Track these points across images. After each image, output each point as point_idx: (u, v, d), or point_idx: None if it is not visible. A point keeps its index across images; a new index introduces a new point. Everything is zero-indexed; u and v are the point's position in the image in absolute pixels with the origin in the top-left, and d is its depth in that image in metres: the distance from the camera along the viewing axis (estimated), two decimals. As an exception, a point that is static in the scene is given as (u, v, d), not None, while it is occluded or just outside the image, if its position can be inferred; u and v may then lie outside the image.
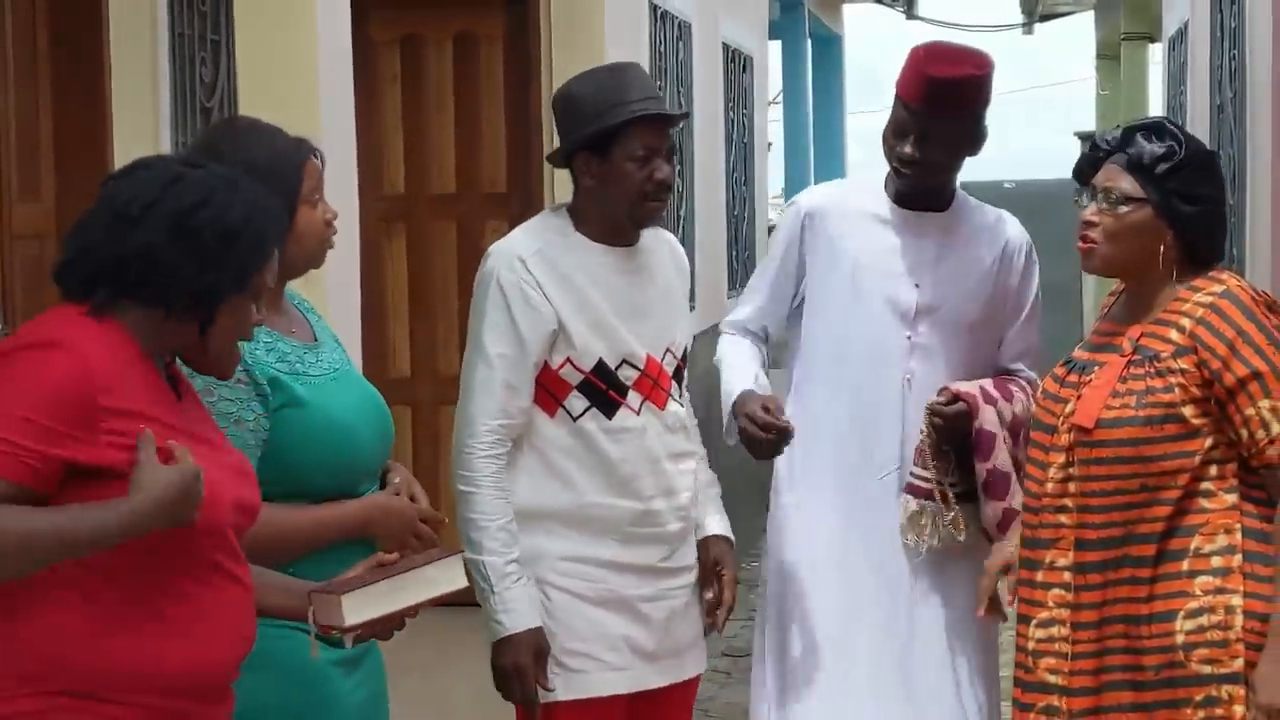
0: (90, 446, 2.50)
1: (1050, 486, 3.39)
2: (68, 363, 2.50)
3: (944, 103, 3.79)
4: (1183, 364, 3.29)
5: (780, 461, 4.02)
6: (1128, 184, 3.37)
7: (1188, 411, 3.28)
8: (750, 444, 3.76)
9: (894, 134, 3.86)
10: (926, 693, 3.92)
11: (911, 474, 3.82)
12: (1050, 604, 3.39)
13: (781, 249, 4.04)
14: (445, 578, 2.92)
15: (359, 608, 2.80)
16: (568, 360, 3.63)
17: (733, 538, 3.87)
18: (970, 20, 33.03)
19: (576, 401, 3.64)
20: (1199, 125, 8.48)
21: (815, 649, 3.94)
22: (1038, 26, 20.88)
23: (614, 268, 3.70)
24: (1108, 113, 18.29)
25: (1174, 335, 3.31)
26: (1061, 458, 3.38)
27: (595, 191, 3.68)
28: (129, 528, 2.50)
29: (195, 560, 2.62)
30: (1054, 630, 3.39)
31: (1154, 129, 3.40)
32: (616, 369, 3.66)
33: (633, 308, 3.70)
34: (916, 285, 3.91)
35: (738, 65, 9.71)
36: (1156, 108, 11.77)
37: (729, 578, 3.81)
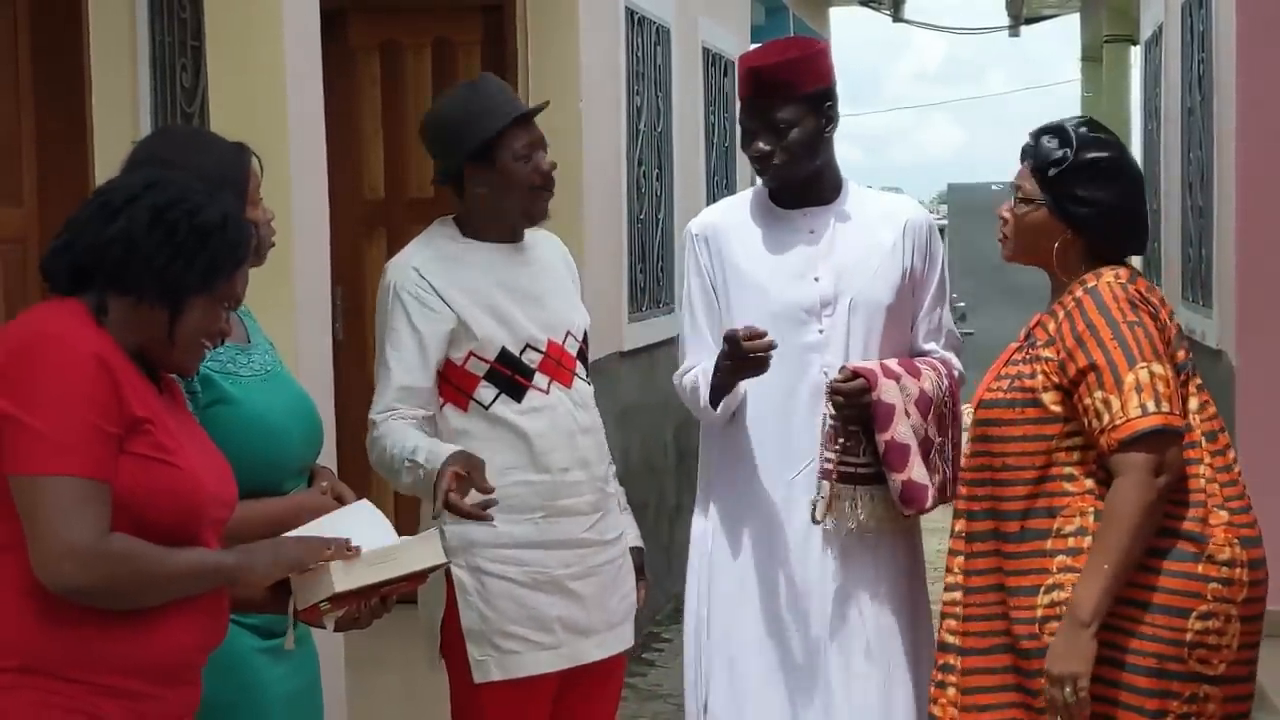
0: (121, 426, 2.65)
1: (964, 460, 3.61)
2: (89, 353, 2.63)
3: (771, 90, 3.87)
4: (1048, 353, 3.44)
5: (705, 469, 4.10)
6: (1030, 185, 3.54)
7: (1047, 398, 3.43)
8: (740, 364, 3.77)
9: (745, 138, 3.95)
10: (855, 696, 3.95)
11: (823, 457, 3.86)
12: (955, 569, 3.57)
13: (693, 280, 4.07)
14: (425, 554, 3.00)
15: (346, 576, 2.86)
16: (471, 354, 3.82)
17: (643, 545, 4.12)
18: (956, 22, 33.08)
19: (485, 391, 3.84)
20: (1171, 127, 8.56)
21: (745, 656, 3.98)
22: (1024, 29, 20.88)
23: (505, 261, 3.92)
24: (1092, 114, 18.34)
25: (1051, 325, 3.48)
26: (970, 433, 3.60)
27: (489, 197, 3.90)
28: (243, 579, 2.82)
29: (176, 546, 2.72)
30: (955, 595, 3.56)
31: (1057, 131, 3.54)
32: (520, 354, 3.85)
33: (527, 295, 3.90)
34: (816, 279, 3.95)
35: (718, 69, 9.77)
36: (1137, 110, 11.84)
37: (643, 586, 4.09)
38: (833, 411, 3.83)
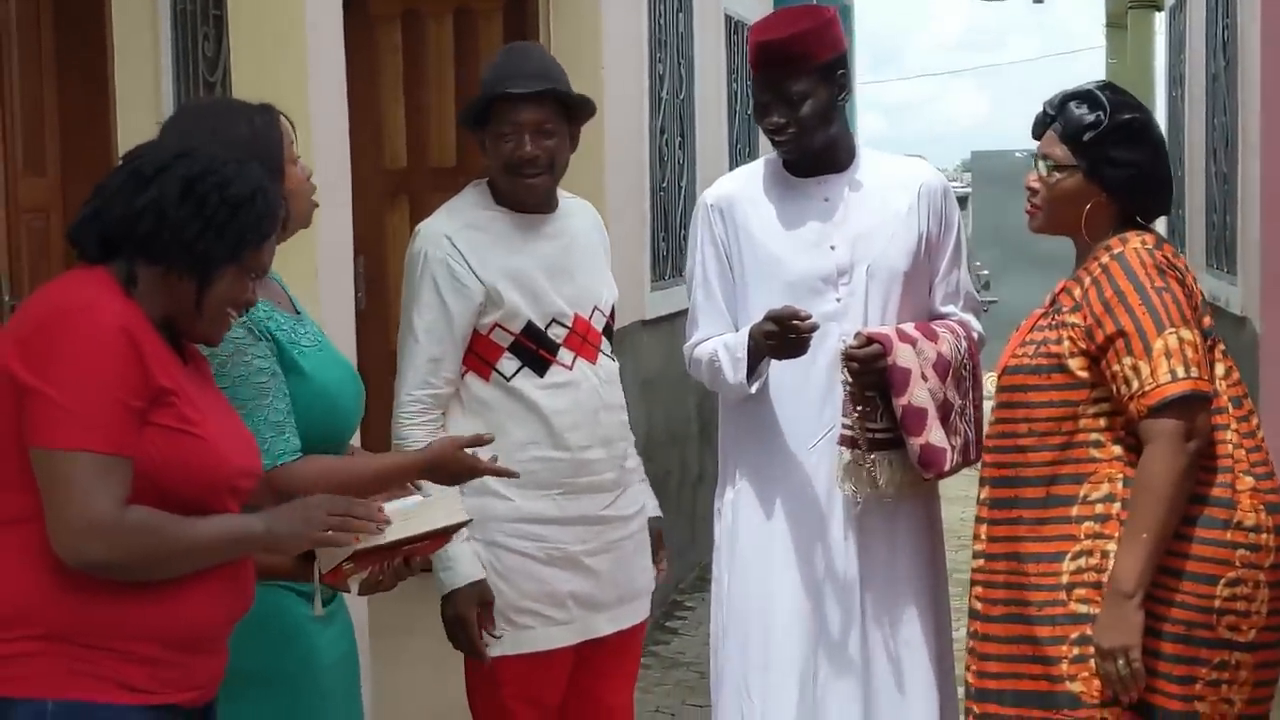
0: (145, 398, 2.66)
1: (988, 427, 3.59)
2: (115, 325, 2.64)
3: (784, 62, 3.84)
4: (1075, 319, 3.43)
5: (724, 452, 4.09)
6: (1061, 152, 3.52)
7: (1074, 364, 3.42)
8: (786, 344, 3.76)
9: (759, 111, 3.93)
10: (875, 662, 3.96)
11: (841, 424, 3.86)
12: (981, 536, 3.58)
13: (706, 250, 4.04)
14: (446, 511, 3.02)
15: (370, 535, 2.87)
16: (496, 324, 3.81)
17: (662, 515, 4.14)
18: (981, -10, 32.88)
19: (508, 363, 3.82)
20: (1195, 93, 8.53)
21: (769, 625, 3.98)
22: (1048, -5, 20.81)
23: (535, 233, 3.88)
24: (1117, 82, 18.23)
25: (1077, 292, 3.46)
26: (994, 400, 3.59)
27: (488, 167, 3.89)
28: (270, 546, 2.81)
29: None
30: (979, 562, 3.57)
31: (1085, 97, 3.52)
32: (546, 328, 3.83)
33: (557, 269, 3.87)
34: (832, 248, 3.94)
35: (740, 36, 9.73)
36: (1161, 77, 11.79)
37: (664, 555, 4.13)
38: (848, 378, 3.83)
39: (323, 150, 4.53)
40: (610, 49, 6.89)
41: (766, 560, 3.99)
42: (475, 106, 3.86)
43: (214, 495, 2.75)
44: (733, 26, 9.55)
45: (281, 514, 2.82)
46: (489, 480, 3.78)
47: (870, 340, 3.82)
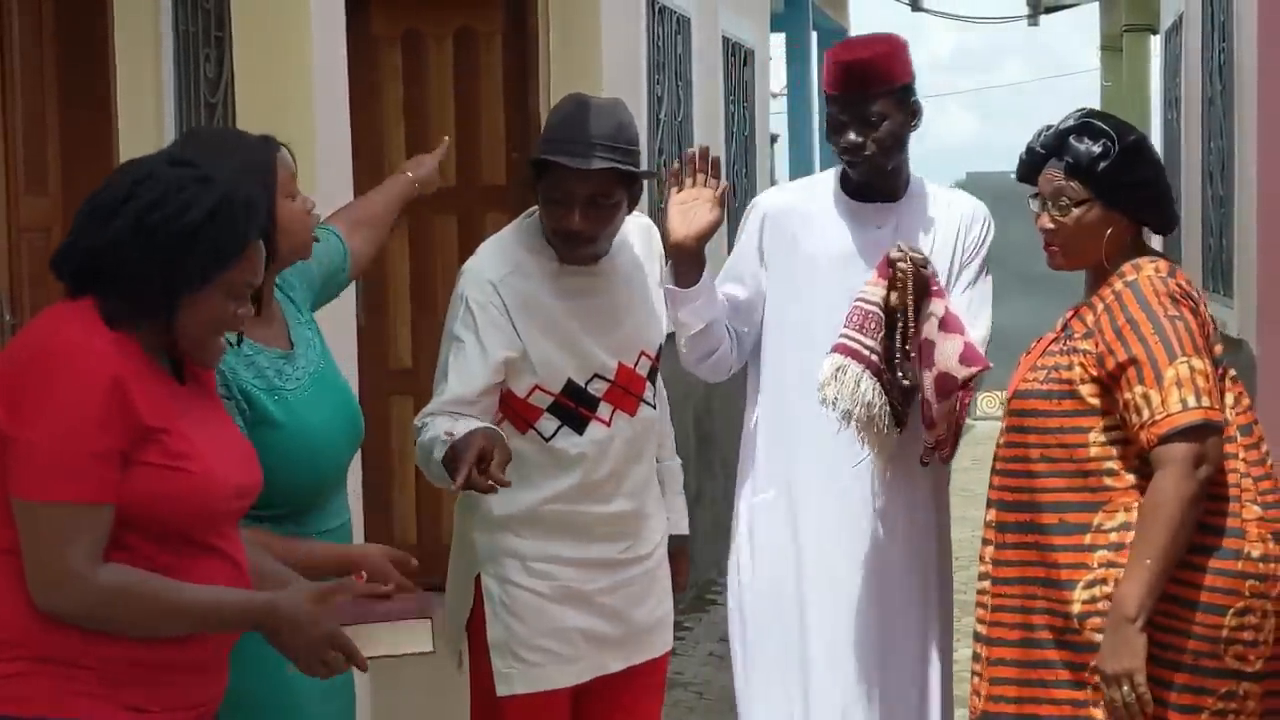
0: (130, 441, 2.63)
1: (996, 450, 3.58)
2: (100, 372, 2.59)
3: (862, 82, 3.87)
4: (1086, 345, 3.42)
5: (751, 459, 4.10)
6: (1074, 188, 3.50)
7: (1085, 390, 3.41)
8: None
9: (833, 129, 3.95)
10: (893, 690, 4.00)
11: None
12: (986, 559, 3.57)
13: (745, 249, 4.11)
14: (412, 639, 2.96)
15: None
16: (535, 388, 3.70)
17: (688, 533, 4.08)
18: (975, 12, 32.99)
19: (548, 423, 3.73)
20: (1191, 117, 8.55)
21: (797, 642, 4.03)
22: (1043, 18, 20.82)
23: (582, 284, 3.75)
24: (1112, 104, 18.27)
25: (1089, 318, 3.46)
26: (1003, 423, 3.58)
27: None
28: (258, 627, 2.72)
29: (190, 542, 2.72)
30: (985, 584, 3.57)
31: (1084, 130, 3.51)
32: (587, 384, 3.74)
33: (605, 320, 3.77)
34: None
35: (739, 59, 9.77)
36: (1156, 100, 11.82)
37: (682, 579, 4.08)
38: (899, 266, 3.75)
39: (325, 170, 4.55)
40: (609, 70, 6.91)
41: (797, 576, 4.02)
42: (531, 162, 3.69)
43: (205, 524, 2.73)
44: (730, 49, 9.58)
45: (288, 609, 2.71)
46: (517, 524, 3.73)
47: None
